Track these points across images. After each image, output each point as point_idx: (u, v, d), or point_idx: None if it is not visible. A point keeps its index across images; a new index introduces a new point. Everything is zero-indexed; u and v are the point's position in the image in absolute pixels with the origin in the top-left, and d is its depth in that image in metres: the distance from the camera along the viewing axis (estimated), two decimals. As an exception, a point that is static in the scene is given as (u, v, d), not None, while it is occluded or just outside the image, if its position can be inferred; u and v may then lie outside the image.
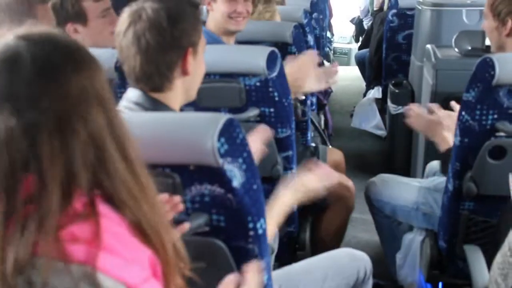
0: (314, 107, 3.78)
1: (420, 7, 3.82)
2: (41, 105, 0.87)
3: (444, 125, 2.19)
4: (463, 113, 1.97)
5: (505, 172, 1.94)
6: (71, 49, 0.95)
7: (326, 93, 4.28)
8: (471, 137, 1.97)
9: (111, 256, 0.87)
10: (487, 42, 2.80)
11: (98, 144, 0.92)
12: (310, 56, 2.52)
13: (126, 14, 1.60)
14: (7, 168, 0.86)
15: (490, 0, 2.26)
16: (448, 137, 2.16)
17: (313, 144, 2.95)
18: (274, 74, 2.11)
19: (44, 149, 0.87)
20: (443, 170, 2.18)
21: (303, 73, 2.43)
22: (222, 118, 1.31)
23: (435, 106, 2.29)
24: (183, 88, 1.63)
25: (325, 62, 5.61)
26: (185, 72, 1.60)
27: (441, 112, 2.24)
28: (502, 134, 1.94)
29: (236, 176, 1.32)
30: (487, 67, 1.90)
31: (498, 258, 1.24)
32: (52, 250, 0.85)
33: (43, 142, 0.87)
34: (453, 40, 3.01)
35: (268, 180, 2.19)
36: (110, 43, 2.15)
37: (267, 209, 1.66)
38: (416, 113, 2.32)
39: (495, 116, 1.94)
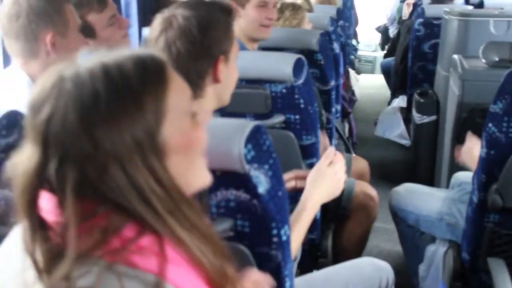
0: (338, 114, 3.78)
1: (447, 17, 3.80)
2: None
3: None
4: (490, 124, 1.97)
5: (531, 185, 1.94)
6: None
7: (351, 101, 4.28)
8: (498, 149, 1.96)
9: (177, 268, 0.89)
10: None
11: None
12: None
13: (158, 21, 1.61)
14: None
15: None
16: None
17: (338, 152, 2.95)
18: (300, 81, 2.12)
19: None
20: None
21: None
22: (249, 124, 1.32)
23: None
24: (214, 95, 1.63)
25: (350, 70, 5.62)
26: (216, 80, 1.61)
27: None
28: (529, 147, 1.93)
29: (262, 182, 1.33)
30: (515, 79, 1.89)
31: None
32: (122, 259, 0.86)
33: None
34: (480, 51, 2.99)
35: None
36: (124, 45, 2.17)
37: (294, 219, 1.67)
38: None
39: (523, 128, 1.93)
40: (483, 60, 2.97)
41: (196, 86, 1.58)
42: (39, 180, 0.87)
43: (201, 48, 1.57)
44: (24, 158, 0.88)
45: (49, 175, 0.86)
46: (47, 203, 0.88)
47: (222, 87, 1.64)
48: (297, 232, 1.65)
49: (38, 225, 0.88)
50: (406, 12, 6.34)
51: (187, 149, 0.96)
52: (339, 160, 1.84)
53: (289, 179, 1.86)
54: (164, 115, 0.91)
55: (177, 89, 0.95)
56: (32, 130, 0.88)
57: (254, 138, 1.31)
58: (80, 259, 0.84)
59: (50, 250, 0.86)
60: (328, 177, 1.79)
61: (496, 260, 1.98)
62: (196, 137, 0.98)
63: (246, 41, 2.60)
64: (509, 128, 1.94)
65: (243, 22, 2.58)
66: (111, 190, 0.87)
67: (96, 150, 0.86)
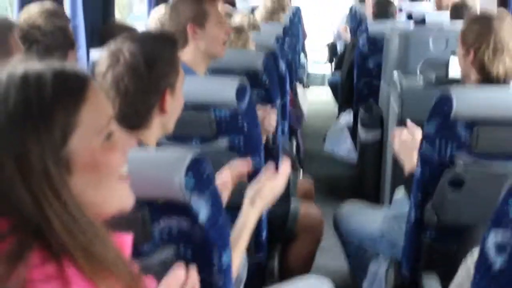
0: (286, 133, 3.85)
1: (388, 34, 3.92)
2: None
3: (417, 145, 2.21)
4: (424, 144, 2.06)
5: (463, 202, 2.03)
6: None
7: (298, 118, 4.36)
8: (431, 168, 2.05)
9: None
10: (451, 72, 2.90)
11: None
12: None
13: (105, 55, 1.64)
14: None
15: (462, 28, 2.33)
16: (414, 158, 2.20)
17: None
18: (244, 105, 2.17)
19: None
20: (409, 195, 2.22)
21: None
22: (189, 154, 1.37)
23: (412, 125, 2.32)
24: (160, 124, 1.68)
25: (298, 85, 5.71)
26: (163, 111, 1.66)
27: (417, 135, 2.27)
28: (460, 165, 2.03)
29: (203, 210, 1.38)
30: (446, 101, 1.99)
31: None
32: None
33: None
34: (418, 68, 3.10)
35: (237, 209, 2.24)
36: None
37: (234, 236, 1.71)
38: (401, 140, 2.31)
39: (454, 147, 2.03)
40: (421, 78, 3.08)
41: (143, 118, 1.64)
42: None
43: (149, 84, 1.62)
44: None
45: None
46: None
47: (168, 116, 1.69)
48: (238, 249, 1.69)
49: None
50: (345, 36, 6.45)
51: (95, 169, 0.95)
52: (280, 179, 1.86)
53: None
54: (73, 130, 0.92)
55: (94, 107, 0.96)
56: None
57: (194, 167, 1.36)
58: None
59: None
60: (267, 197, 1.82)
61: (430, 275, 2.06)
62: (107, 159, 0.97)
63: (201, 64, 2.57)
64: (441, 148, 2.03)
65: (202, 43, 2.53)
66: (8, 198, 0.89)
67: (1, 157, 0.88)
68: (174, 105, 1.69)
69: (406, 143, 2.28)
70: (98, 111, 0.97)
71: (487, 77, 2.27)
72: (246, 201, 1.81)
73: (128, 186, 1.04)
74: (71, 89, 0.94)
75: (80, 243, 0.91)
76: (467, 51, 2.28)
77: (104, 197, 0.99)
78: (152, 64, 1.62)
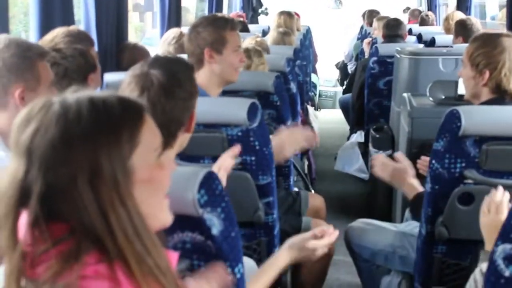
0: (297, 152, 3.88)
1: (398, 56, 3.97)
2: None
3: (410, 173, 2.29)
4: (434, 161, 2.09)
5: (474, 217, 2.05)
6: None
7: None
8: (441, 184, 2.08)
9: None
10: (460, 91, 2.94)
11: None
12: (297, 132, 2.63)
13: (132, 78, 1.72)
14: None
15: (470, 50, 2.37)
16: (415, 184, 2.27)
17: (296, 189, 3.05)
18: (255, 124, 2.22)
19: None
20: (414, 216, 2.28)
21: (289, 146, 2.55)
22: (202, 171, 1.41)
23: (400, 155, 2.40)
24: (179, 143, 1.75)
25: (309, 107, 5.76)
26: (188, 130, 1.75)
27: (406, 161, 2.35)
28: (470, 181, 2.06)
29: (215, 224, 1.42)
30: (454, 118, 2.02)
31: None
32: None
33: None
34: (427, 89, 3.14)
35: (249, 225, 2.29)
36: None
37: (260, 271, 1.76)
38: (381, 162, 2.41)
39: (463, 164, 2.06)
40: (430, 98, 3.12)
41: (172, 138, 1.71)
42: (22, 193, 0.96)
43: (182, 103, 1.71)
44: (9, 172, 0.98)
45: (29, 186, 0.96)
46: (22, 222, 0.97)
47: (188, 135, 1.77)
48: (257, 283, 1.75)
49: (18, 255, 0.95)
50: (366, 50, 6.54)
51: (149, 183, 1.05)
52: (327, 240, 1.91)
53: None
54: (136, 146, 1.02)
55: (150, 130, 1.07)
56: (17, 146, 0.98)
57: (207, 183, 1.40)
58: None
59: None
60: (305, 252, 1.88)
61: (441, 290, 2.09)
62: (159, 175, 1.08)
63: (214, 87, 2.64)
64: (451, 165, 2.06)
65: (218, 67, 2.61)
66: (74, 205, 0.96)
67: (69, 163, 0.96)
68: (193, 124, 1.78)
69: (388, 168, 2.37)
70: (153, 133, 1.08)
71: (502, 96, 2.31)
72: (285, 245, 1.87)
73: (168, 204, 1.13)
74: (134, 111, 1.05)
75: (137, 251, 0.99)
76: (481, 71, 2.32)
77: (154, 210, 1.08)
78: (183, 85, 1.71)
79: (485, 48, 2.33)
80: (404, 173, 2.31)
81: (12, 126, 1.00)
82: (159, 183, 1.08)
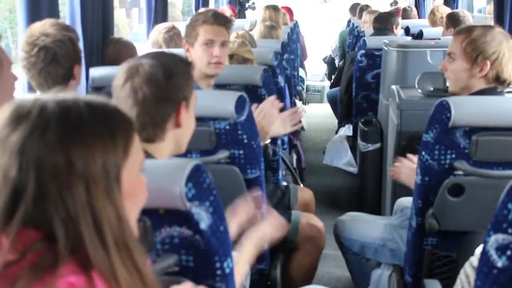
0: (285, 146, 3.87)
1: (386, 48, 3.95)
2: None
3: None
4: (423, 153, 2.07)
5: (464, 208, 2.05)
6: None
7: (296, 132, 4.37)
8: (431, 176, 2.07)
9: None
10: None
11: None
12: (270, 103, 2.61)
13: (123, 70, 1.70)
14: None
15: (463, 42, 2.33)
16: None
17: (284, 183, 3.03)
18: (243, 117, 2.19)
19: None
20: None
21: (267, 120, 2.55)
22: (189, 164, 1.38)
23: (414, 158, 2.37)
24: (174, 139, 1.72)
25: (297, 101, 5.74)
26: (178, 124, 1.70)
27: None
28: (460, 172, 2.04)
29: (204, 218, 1.39)
30: (444, 109, 2.01)
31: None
32: None
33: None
34: (416, 81, 3.13)
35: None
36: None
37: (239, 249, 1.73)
38: (410, 169, 2.36)
39: (453, 155, 2.04)
40: (419, 90, 3.10)
41: (158, 128, 1.68)
42: (13, 192, 0.93)
43: (166, 92, 1.67)
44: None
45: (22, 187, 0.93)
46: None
47: (182, 132, 1.73)
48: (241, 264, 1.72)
49: None
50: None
51: (132, 197, 1.05)
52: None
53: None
54: (128, 156, 1.02)
55: (137, 144, 1.06)
56: (5, 144, 0.95)
57: (194, 176, 1.37)
58: None
59: None
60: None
61: (432, 282, 2.07)
62: (140, 189, 1.09)
63: (200, 79, 2.66)
64: (441, 156, 2.05)
65: (194, 60, 2.65)
66: (66, 211, 0.93)
67: (66, 166, 0.93)
68: (188, 121, 1.73)
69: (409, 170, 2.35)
70: (139, 148, 1.08)
71: (501, 84, 2.30)
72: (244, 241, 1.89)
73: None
74: (128, 121, 1.06)
75: (125, 261, 0.97)
76: (481, 63, 2.29)
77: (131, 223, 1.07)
78: (169, 76, 1.68)
79: (484, 39, 2.30)
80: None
81: None
82: (138, 196, 1.09)
